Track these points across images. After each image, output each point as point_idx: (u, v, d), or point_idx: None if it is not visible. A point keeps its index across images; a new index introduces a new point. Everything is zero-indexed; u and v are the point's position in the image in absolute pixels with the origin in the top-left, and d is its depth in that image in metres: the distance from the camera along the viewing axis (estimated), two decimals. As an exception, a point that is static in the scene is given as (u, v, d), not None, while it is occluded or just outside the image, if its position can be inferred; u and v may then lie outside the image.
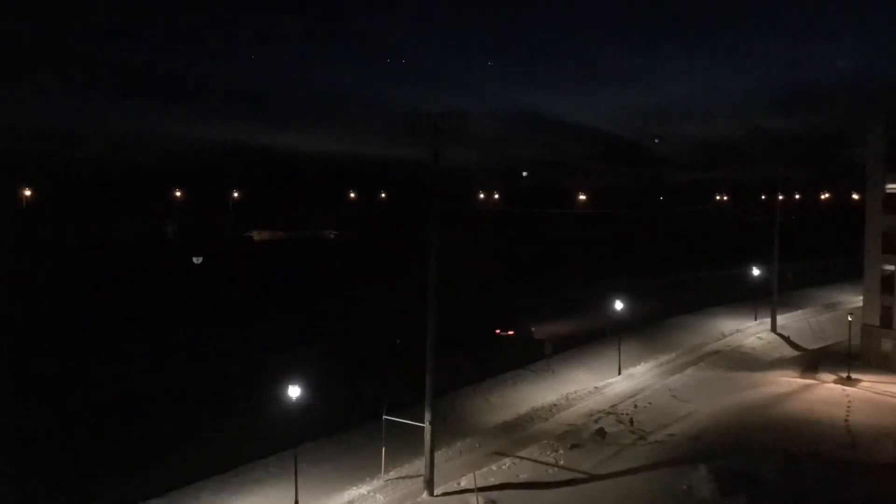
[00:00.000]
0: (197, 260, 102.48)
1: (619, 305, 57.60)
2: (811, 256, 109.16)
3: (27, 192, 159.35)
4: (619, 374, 54.79)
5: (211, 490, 35.27)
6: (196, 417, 44.34)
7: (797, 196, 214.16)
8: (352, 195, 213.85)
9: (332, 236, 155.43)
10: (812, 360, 59.76)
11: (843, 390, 50.06)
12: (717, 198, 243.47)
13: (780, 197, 73.51)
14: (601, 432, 41.98)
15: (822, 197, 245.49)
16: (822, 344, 66.32)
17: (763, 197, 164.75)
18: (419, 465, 36.27)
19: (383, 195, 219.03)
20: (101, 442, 40.94)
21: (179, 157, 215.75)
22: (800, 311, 78.86)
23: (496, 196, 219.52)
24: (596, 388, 51.71)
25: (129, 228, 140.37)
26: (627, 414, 45.64)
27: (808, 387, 51.47)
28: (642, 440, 41.38)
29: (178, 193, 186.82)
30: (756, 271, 78.98)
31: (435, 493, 34.48)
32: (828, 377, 53.76)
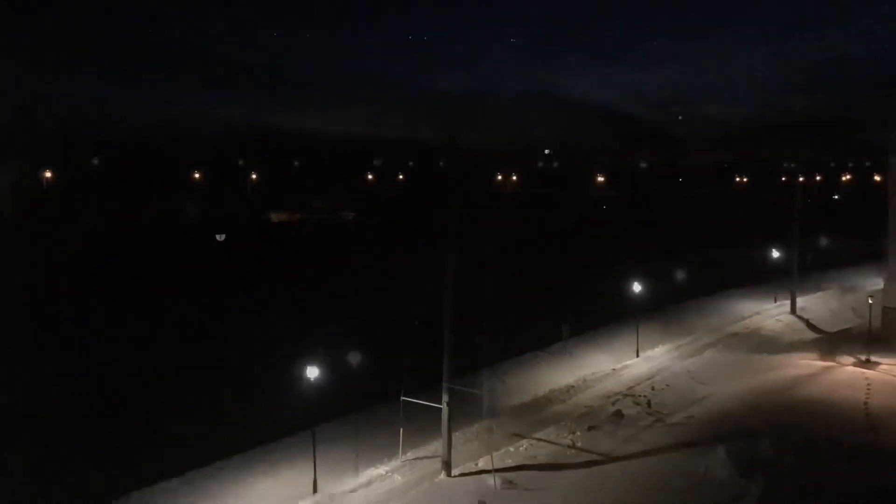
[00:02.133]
0: (220, 237, 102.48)
1: (637, 287, 57.38)
2: (832, 238, 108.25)
3: (47, 174, 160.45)
4: (637, 356, 54.74)
5: (230, 470, 35.74)
6: (214, 398, 44.80)
7: (818, 177, 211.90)
8: (370, 176, 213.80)
9: (350, 217, 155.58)
10: (831, 343, 59.31)
11: (863, 373, 49.67)
12: (738, 179, 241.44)
13: (801, 178, 72.62)
14: (619, 414, 41.98)
15: (844, 178, 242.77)
16: (841, 326, 65.82)
17: (784, 178, 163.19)
18: (436, 446, 36.49)
19: (401, 176, 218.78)
20: (119, 422, 41.46)
21: (197, 139, 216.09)
22: (820, 294, 78.29)
23: (514, 178, 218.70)
24: (613, 370, 51.68)
25: (148, 210, 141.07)
26: (645, 396, 45.59)
27: (827, 370, 51.12)
28: (660, 422, 41.33)
29: (196, 175, 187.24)
30: (776, 253, 78.38)
31: (452, 474, 34.70)
32: (847, 360, 53.33)
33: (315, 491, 33.21)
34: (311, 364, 34.15)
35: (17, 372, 47.70)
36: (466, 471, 35.06)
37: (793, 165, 73.43)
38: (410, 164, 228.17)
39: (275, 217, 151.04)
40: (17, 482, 34.01)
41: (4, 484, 34.07)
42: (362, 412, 42.10)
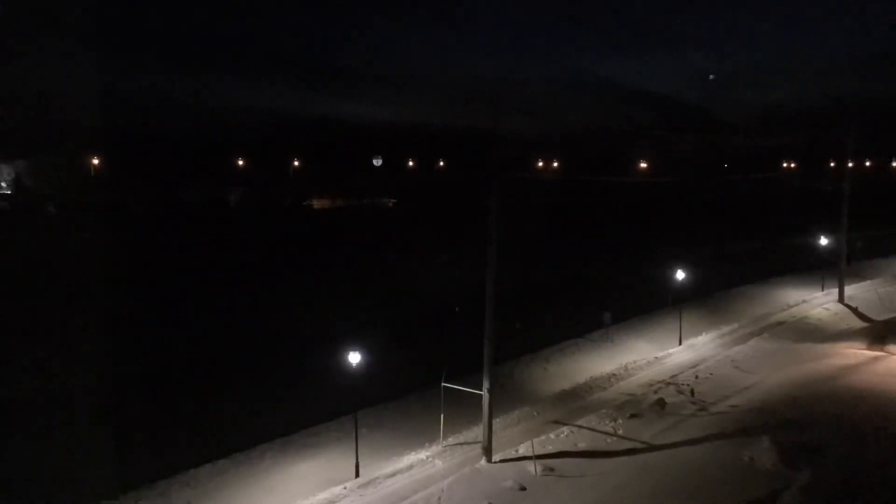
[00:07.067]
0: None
1: (680, 275, 56.75)
2: (882, 225, 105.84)
3: (94, 161, 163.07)
4: (680, 344, 54.19)
5: (274, 452, 36.39)
6: (259, 383, 45.51)
7: (867, 164, 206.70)
8: (410, 163, 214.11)
9: (390, 204, 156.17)
10: (880, 332, 58.02)
11: (913, 363, 48.59)
12: (785, 165, 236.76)
13: (850, 164, 70.83)
14: (661, 402, 41.60)
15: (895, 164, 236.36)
16: (891, 315, 64.38)
17: (832, 164, 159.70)
18: (477, 432, 36.62)
19: (441, 163, 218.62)
20: (167, 406, 42.24)
21: (241, 127, 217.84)
22: (868, 282, 76.66)
23: (555, 164, 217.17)
24: (656, 357, 51.24)
25: (195, 196, 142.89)
26: (688, 384, 45.10)
27: (875, 359, 50.05)
28: (703, 411, 40.88)
29: (240, 162, 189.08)
30: (824, 240, 76.87)
31: (493, 460, 34.76)
32: (896, 349, 52.23)
33: (357, 475, 33.56)
34: (353, 350, 34.46)
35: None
36: (507, 457, 35.08)
37: (842, 150, 71.17)
38: (450, 150, 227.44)
39: (316, 204, 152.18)
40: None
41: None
42: (404, 398, 42.47)
